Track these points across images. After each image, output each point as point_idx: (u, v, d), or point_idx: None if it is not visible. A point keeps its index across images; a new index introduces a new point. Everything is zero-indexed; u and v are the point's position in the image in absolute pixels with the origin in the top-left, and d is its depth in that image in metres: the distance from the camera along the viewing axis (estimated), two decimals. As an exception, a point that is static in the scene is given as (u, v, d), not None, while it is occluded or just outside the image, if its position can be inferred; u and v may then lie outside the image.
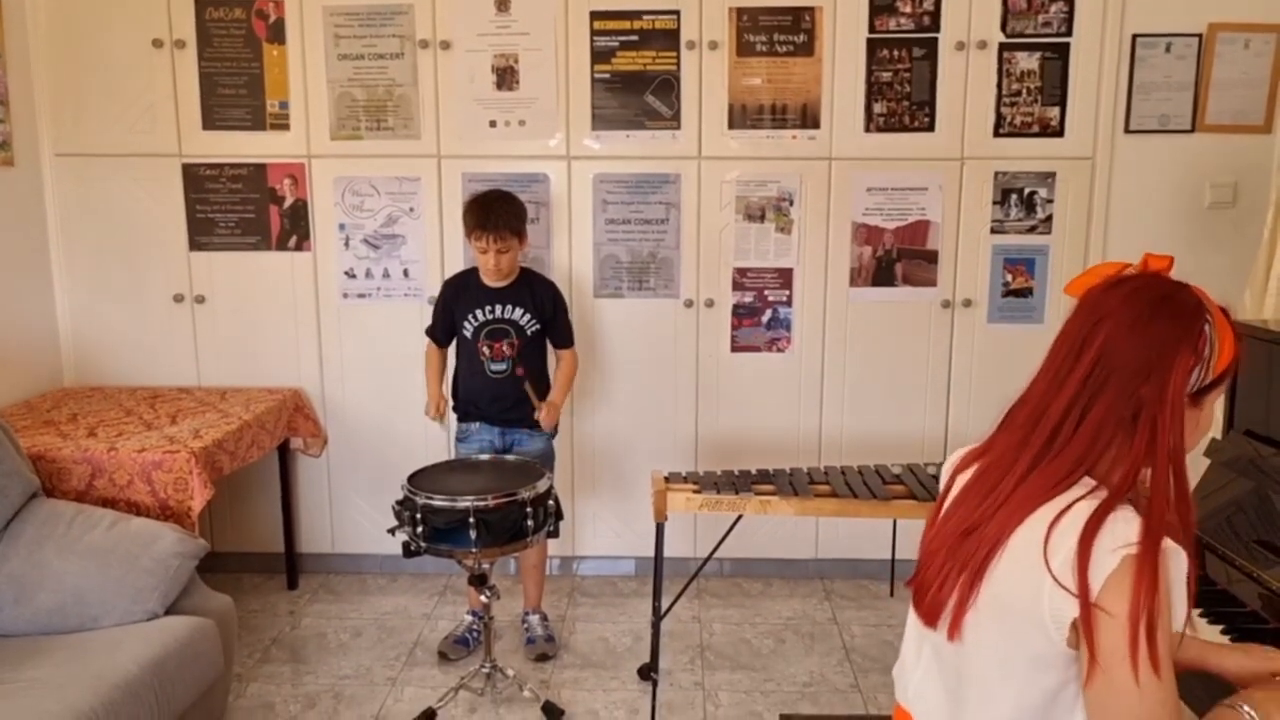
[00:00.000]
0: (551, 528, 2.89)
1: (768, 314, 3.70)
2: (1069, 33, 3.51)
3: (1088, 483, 1.25)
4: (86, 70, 3.62)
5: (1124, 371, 1.23)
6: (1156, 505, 1.20)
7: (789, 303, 3.69)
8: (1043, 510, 1.24)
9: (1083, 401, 1.25)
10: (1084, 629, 1.16)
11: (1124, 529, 1.18)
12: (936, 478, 2.46)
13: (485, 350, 3.17)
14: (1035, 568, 1.20)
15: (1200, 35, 3.50)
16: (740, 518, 2.98)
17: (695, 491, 2.79)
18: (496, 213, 3.06)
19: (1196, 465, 2.20)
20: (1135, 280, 1.30)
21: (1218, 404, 1.34)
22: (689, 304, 3.69)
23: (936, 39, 3.52)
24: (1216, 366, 1.26)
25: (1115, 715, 1.16)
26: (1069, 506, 1.22)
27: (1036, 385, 1.32)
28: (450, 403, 3.31)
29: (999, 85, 3.54)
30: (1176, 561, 1.19)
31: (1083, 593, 1.16)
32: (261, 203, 3.68)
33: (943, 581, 1.31)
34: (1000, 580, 1.26)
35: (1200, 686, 1.66)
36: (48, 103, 3.65)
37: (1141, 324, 1.24)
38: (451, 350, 3.33)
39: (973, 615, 1.28)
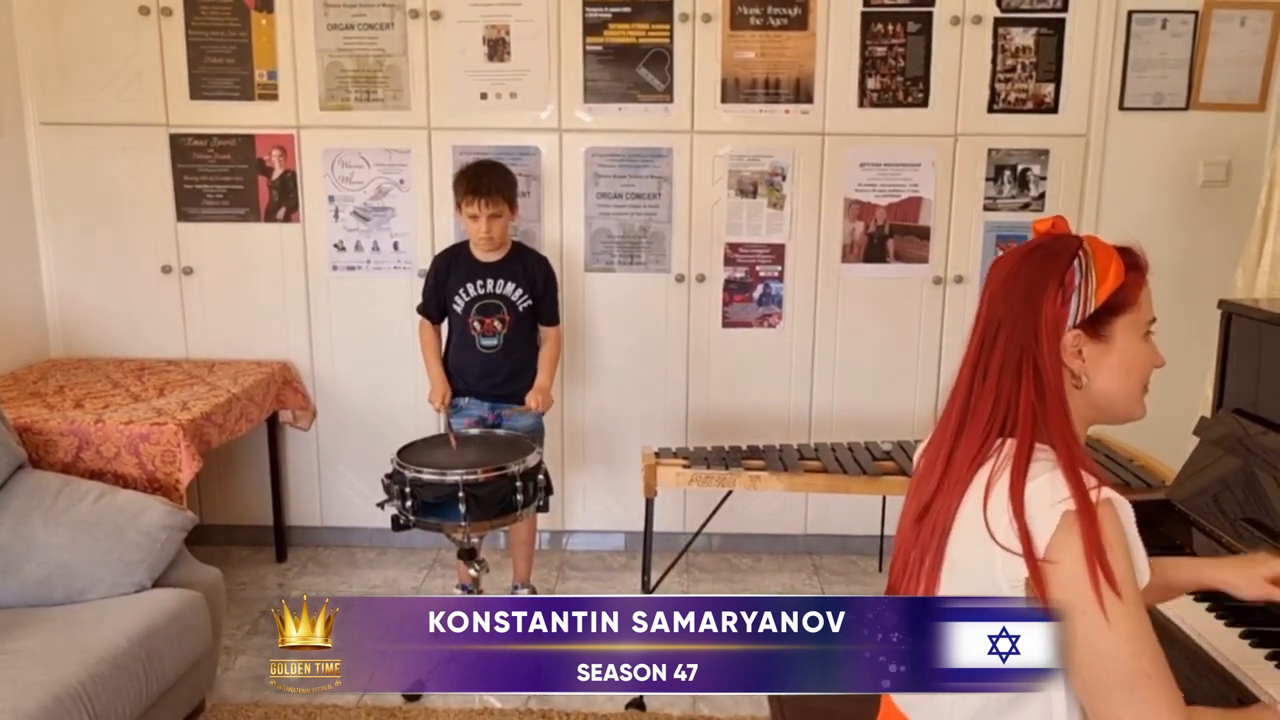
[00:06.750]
0: (541, 502, 2.88)
1: (759, 289, 3.68)
2: (1065, 8, 3.49)
3: (1007, 445, 1.27)
4: (72, 38, 3.56)
5: (1007, 322, 1.29)
6: (1063, 449, 1.23)
7: (780, 278, 3.68)
8: (975, 482, 1.27)
9: (983, 361, 1.31)
10: (1039, 590, 1.17)
11: (1051, 485, 1.20)
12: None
13: (476, 325, 3.16)
14: (983, 541, 1.23)
15: (1196, 12, 3.48)
16: (730, 493, 2.99)
17: (685, 466, 2.80)
18: (488, 178, 3.04)
19: (1185, 442, 2.21)
20: (1017, 246, 1.37)
21: (1153, 343, 1.35)
22: (680, 279, 3.67)
23: (931, 14, 3.49)
24: (1099, 294, 1.28)
25: (1097, 660, 1.17)
26: (995, 473, 1.25)
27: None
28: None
29: (994, 61, 3.52)
30: (1124, 510, 1.21)
31: (1029, 555, 1.18)
32: (250, 174, 3.65)
33: (912, 574, 1.34)
34: (958, 558, 1.28)
35: (1205, 679, 1.67)
36: (33, 70, 3.60)
37: (1012, 274, 1.31)
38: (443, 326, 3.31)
39: (942, 594, 1.30)
